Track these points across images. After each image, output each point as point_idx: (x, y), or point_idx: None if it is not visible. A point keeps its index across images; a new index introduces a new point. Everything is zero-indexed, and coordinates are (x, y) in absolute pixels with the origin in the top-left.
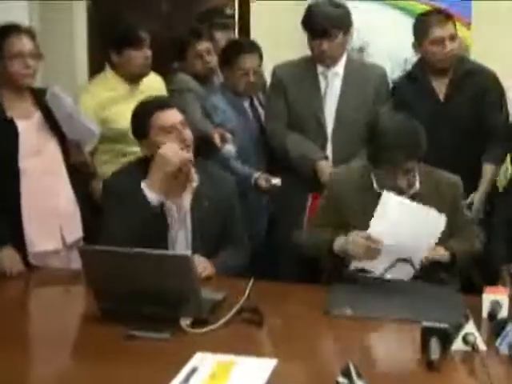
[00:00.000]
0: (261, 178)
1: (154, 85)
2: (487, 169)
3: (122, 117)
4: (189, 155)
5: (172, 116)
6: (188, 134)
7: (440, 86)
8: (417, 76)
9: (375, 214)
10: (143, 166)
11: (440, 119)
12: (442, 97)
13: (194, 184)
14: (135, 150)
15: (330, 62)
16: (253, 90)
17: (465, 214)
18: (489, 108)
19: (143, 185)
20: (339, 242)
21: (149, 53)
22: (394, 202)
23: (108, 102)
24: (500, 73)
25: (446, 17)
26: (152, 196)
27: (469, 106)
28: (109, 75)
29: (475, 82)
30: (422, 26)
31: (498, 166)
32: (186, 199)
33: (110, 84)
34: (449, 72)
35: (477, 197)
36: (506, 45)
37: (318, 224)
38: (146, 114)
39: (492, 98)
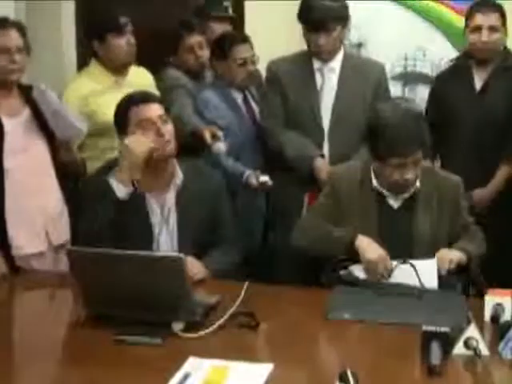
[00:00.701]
0: (251, 175)
1: (142, 78)
2: (503, 166)
3: (108, 109)
4: (152, 145)
5: (151, 110)
6: (168, 129)
7: (480, 78)
8: (459, 65)
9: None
10: None
11: (473, 110)
12: (478, 87)
13: (178, 181)
14: (117, 145)
15: (327, 56)
16: (252, 80)
17: (467, 214)
18: None
19: (111, 178)
20: (362, 243)
21: (132, 39)
22: None
23: (92, 94)
24: None
25: (493, 7)
26: (119, 188)
27: (503, 100)
28: (93, 67)
29: (510, 77)
30: (468, 13)
31: None
32: (170, 196)
33: (94, 76)
34: (490, 64)
35: (487, 189)
36: None
37: (313, 218)
38: (126, 107)
39: None
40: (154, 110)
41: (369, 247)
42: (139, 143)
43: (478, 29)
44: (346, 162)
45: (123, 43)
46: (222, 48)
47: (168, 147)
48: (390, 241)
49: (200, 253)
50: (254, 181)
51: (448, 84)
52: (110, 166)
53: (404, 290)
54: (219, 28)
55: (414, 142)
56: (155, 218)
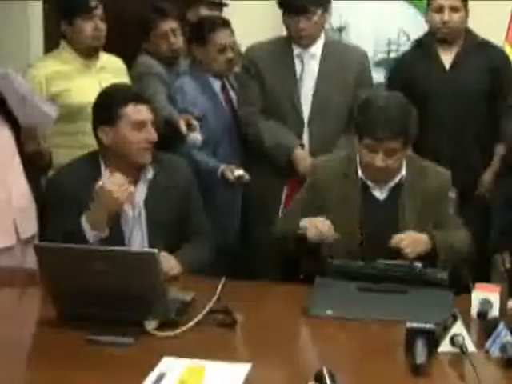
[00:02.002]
0: (226, 169)
1: (114, 64)
2: (499, 147)
3: (76, 92)
4: (133, 190)
5: (145, 112)
6: (155, 136)
7: (446, 56)
8: (424, 44)
9: None
10: (94, 161)
11: (444, 88)
12: (447, 66)
13: (149, 175)
14: (90, 130)
15: (307, 41)
16: (231, 67)
17: (451, 209)
18: (501, 84)
19: (83, 220)
20: (302, 223)
21: (100, 24)
22: None
23: (58, 75)
24: None
25: None
26: (92, 234)
27: (475, 76)
28: (62, 49)
29: (484, 53)
30: None
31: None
32: (140, 194)
33: (62, 57)
34: (457, 44)
35: (486, 175)
36: None
37: (291, 211)
38: (119, 101)
39: (504, 74)
40: (148, 114)
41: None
42: (121, 190)
43: (439, 9)
44: (329, 154)
45: (90, 28)
46: (201, 32)
47: (149, 155)
48: (374, 233)
49: (172, 249)
50: (229, 175)
51: (415, 64)
52: (76, 168)
53: (389, 286)
54: (207, 14)
55: (392, 128)
56: (126, 215)
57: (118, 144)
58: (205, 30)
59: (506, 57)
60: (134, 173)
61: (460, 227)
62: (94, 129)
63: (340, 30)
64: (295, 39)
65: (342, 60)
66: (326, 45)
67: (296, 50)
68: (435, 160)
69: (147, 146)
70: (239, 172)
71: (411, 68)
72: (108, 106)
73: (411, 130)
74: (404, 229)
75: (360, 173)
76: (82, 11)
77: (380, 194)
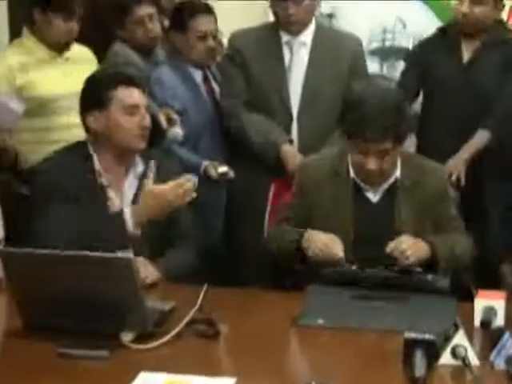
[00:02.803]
0: (209, 166)
1: (82, 55)
2: (478, 133)
3: (42, 83)
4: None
5: (138, 96)
6: (148, 121)
7: (467, 50)
8: (447, 34)
9: None
10: (83, 151)
11: (457, 82)
12: (466, 60)
13: (139, 169)
14: (58, 124)
15: (297, 28)
16: (212, 56)
17: (453, 208)
18: (504, 76)
19: (127, 213)
20: (305, 237)
21: (75, 28)
22: None
23: (23, 67)
24: None
25: None
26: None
27: (491, 75)
28: (26, 39)
29: (503, 53)
30: None
31: (492, 135)
32: (130, 188)
33: (26, 48)
34: (480, 38)
35: (454, 160)
36: None
37: (282, 217)
38: (109, 83)
39: (509, 67)
40: (141, 97)
41: (312, 241)
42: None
43: (461, 0)
44: (319, 152)
45: (63, 27)
46: (180, 18)
47: (144, 142)
48: (368, 239)
49: (158, 251)
50: (213, 172)
51: (434, 52)
52: (66, 159)
53: (385, 294)
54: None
55: (383, 129)
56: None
57: (110, 129)
58: (185, 16)
59: None
60: (125, 163)
61: (462, 231)
62: (83, 116)
63: (330, 16)
64: (284, 26)
65: (334, 48)
66: (317, 32)
67: (284, 38)
68: (434, 154)
69: (141, 132)
70: (223, 169)
71: (430, 55)
72: (97, 88)
73: (404, 128)
74: (401, 230)
75: (352, 173)
76: (61, 11)
77: (373, 197)
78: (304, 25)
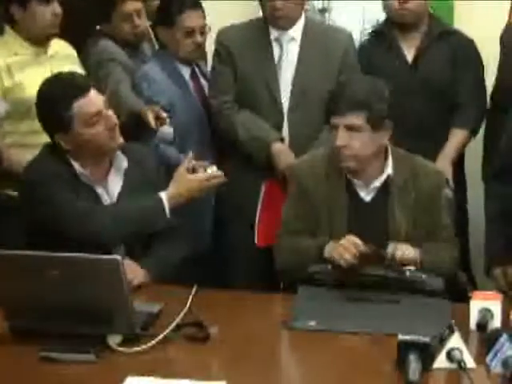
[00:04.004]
0: (197, 166)
1: (64, 50)
2: (456, 132)
3: (27, 85)
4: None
5: (95, 100)
6: (113, 116)
7: (408, 48)
8: (383, 34)
9: None
10: (57, 156)
11: (408, 83)
12: (410, 59)
13: (124, 164)
14: None
15: (286, 23)
16: (200, 53)
17: (446, 214)
18: (460, 70)
19: (163, 195)
20: (328, 249)
21: (58, 9)
22: None
23: (7, 69)
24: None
25: None
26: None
27: (440, 71)
28: (8, 38)
29: (449, 44)
30: None
31: (470, 133)
32: (115, 184)
33: (9, 48)
34: (418, 33)
35: (439, 161)
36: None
37: (292, 230)
38: (64, 103)
39: (466, 60)
40: (97, 99)
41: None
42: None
43: None
44: (309, 152)
45: (48, 12)
46: (168, 13)
47: (119, 139)
48: (361, 239)
49: (146, 247)
50: (201, 173)
51: (374, 57)
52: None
53: (379, 295)
54: None
55: (351, 101)
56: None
57: (80, 144)
58: (172, 11)
59: (472, 47)
60: (106, 160)
61: (452, 242)
62: (50, 136)
63: (323, 11)
64: (271, 21)
65: (325, 43)
66: (306, 27)
67: (274, 34)
68: None
69: (109, 134)
70: (212, 169)
71: (370, 60)
72: (53, 111)
73: (377, 107)
74: (395, 232)
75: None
76: None
77: (366, 195)
78: (292, 20)
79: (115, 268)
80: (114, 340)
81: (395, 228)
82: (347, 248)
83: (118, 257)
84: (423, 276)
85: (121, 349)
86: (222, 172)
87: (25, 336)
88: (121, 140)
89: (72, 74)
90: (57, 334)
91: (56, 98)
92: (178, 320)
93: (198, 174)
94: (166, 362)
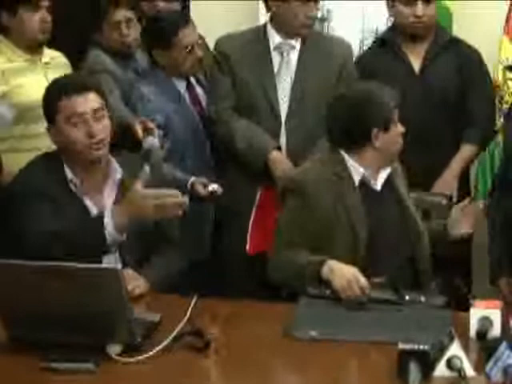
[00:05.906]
0: (197, 183)
1: (58, 59)
2: (465, 147)
3: (22, 91)
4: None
5: (85, 102)
6: (101, 127)
7: (415, 57)
8: (389, 42)
9: None
10: (55, 160)
11: (414, 92)
12: (417, 68)
13: (118, 175)
14: (38, 132)
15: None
16: (201, 65)
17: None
18: (470, 84)
19: (108, 211)
20: (326, 269)
21: (47, 15)
22: None
23: (1, 75)
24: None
25: None
26: (114, 235)
27: (447, 80)
28: (1, 44)
29: (456, 54)
30: None
31: (479, 149)
32: (109, 196)
33: (3, 55)
34: (425, 42)
35: (445, 176)
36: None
37: (288, 243)
38: (55, 95)
39: (474, 73)
40: (90, 103)
41: (335, 273)
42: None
43: (411, 1)
44: (308, 161)
45: (36, 19)
46: (162, 36)
47: (98, 151)
48: (383, 230)
49: (144, 259)
50: (201, 189)
51: (379, 66)
52: (39, 168)
53: (379, 305)
54: (165, 7)
55: None
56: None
57: (63, 142)
58: (167, 33)
59: (478, 58)
60: (99, 171)
61: None
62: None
63: (322, 20)
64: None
65: (324, 53)
66: (307, 36)
67: (274, 42)
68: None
69: (89, 142)
70: (213, 186)
71: (375, 68)
72: (46, 102)
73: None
74: (408, 206)
75: (354, 175)
76: (26, 2)
77: (375, 183)
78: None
79: (115, 278)
80: (114, 349)
81: (408, 203)
82: (352, 289)
83: (118, 266)
84: (422, 298)
85: (121, 358)
86: (221, 190)
87: (25, 346)
88: (104, 152)
89: (76, 75)
90: (57, 343)
91: (52, 89)
92: (178, 329)
93: (155, 190)
94: (166, 372)
